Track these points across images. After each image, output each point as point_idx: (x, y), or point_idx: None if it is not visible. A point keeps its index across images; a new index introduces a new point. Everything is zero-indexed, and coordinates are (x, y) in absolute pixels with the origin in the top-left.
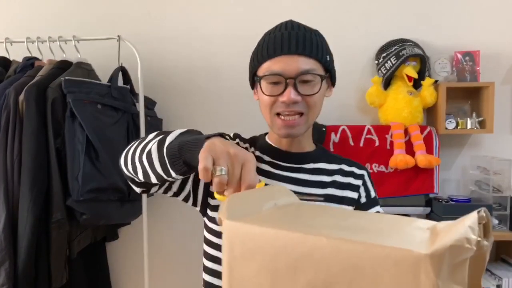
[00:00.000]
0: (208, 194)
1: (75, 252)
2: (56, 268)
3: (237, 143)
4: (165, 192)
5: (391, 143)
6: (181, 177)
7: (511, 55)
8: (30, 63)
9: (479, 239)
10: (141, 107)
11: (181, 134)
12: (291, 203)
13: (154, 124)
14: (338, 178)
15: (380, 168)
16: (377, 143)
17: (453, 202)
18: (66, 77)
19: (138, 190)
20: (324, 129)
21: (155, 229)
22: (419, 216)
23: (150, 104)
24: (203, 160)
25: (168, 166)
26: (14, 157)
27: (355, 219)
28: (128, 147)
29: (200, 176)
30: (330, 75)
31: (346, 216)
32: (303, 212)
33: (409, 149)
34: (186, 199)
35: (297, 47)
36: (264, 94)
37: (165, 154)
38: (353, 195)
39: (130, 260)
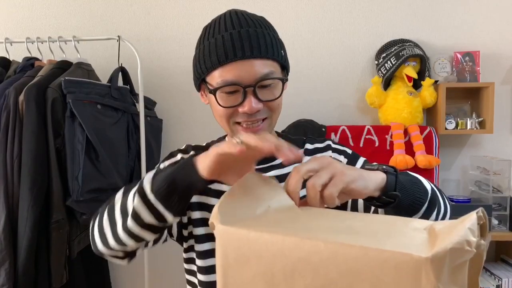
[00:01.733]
0: (181, 225)
1: (75, 252)
2: (56, 268)
3: (194, 155)
4: (164, 240)
5: (391, 143)
6: (177, 219)
7: (511, 55)
8: (30, 63)
9: (478, 240)
10: (141, 107)
11: (154, 176)
12: (285, 205)
13: (154, 124)
14: (307, 159)
15: None
16: (377, 144)
17: (453, 203)
18: (66, 77)
19: (125, 262)
20: (324, 129)
21: None
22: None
23: (150, 104)
24: (227, 145)
25: (162, 210)
26: (14, 157)
27: (351, 221)
28: (95, 226)
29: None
30: (286, 71)
31: (342, 218)
32: (298, 215)
33: (409, 150)
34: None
35: (251, 50)
36: (220, 105)
37: (154, 198)
38: None
39: None
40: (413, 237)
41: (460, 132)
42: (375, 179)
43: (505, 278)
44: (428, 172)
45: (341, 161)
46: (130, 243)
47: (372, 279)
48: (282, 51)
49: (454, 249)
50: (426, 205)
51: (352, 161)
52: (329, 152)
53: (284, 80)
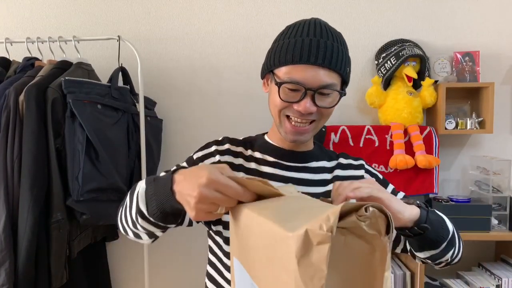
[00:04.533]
0: None
1: (75, 252)
2: (56, 268)
3: (227, 149)
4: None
5: (391, 143)
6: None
7: (511, 55)
8: (30, 63)
9: (330, 226)
10: (141, 107)
11: (147, 193)
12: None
13: (154, 124)
14: (338, 172)
15: (379, 169)
16: (376, 144)
17: (453, 202)
18: (66, 77)
19: (149, 242)
20: (324, 129)
21: None
22: None
23: (150, 104)
24: (191, 212)
25: (164, 225)
26: (14, 157)
27: (292, 203)
28: (117, 220)
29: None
30: (345, 85)
31: (292, 201)
32: (278, 200)
33: (409, 150)
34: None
35: (323, 59)
36: (279, 98)
37: (153, 220)
38: None
39: (130, 260)
40: (309, 219)
41: (460, 132)
42: (411, 210)
43: (505, 278)
44: (428, 172)
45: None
46: (145, 237)
47: (268, 242)
48: (348, 68)
49: (310, 230)
50: (446, 243)
51: (382, 186)
52: (362, 172)
53: (342, 94)
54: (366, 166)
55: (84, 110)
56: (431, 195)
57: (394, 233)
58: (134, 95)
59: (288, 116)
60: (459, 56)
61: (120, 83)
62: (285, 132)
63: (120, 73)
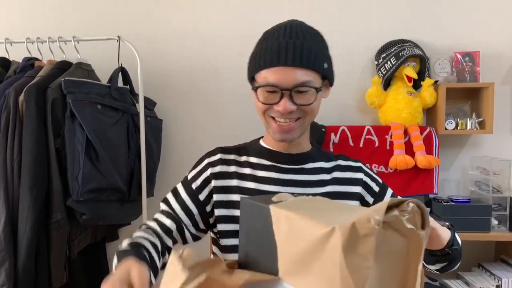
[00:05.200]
0: (208, 214)
1: (75, 252)
2: (56, 268)
3: (219, 159)
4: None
5: (391, 143)
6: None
7: (511, 55)
8: (30, 63)
9: (379, 219)
10: (141, 107)
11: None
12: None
13: (154, 124)
14: (337, 174)
15: (379, 169)
16: (376, 144)
17: (453, 203)
18: (66, 78)
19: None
20: (324, 129)
21: None
22: None
23: (150, 104)
24: None
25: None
26: (14, 157)
27: (327, 205)
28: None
29: None
30: (329, 80)
31: (327, 203)
32: (309, 201)
33: (409, 150)
34: (206, 229)
35: (293, 59)
36: (259, 101)
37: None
38: (356, 189)
39: None
40: (348, 216)
41: (460, 132)
42: (446, 234)
43: (505, 278)
44: (428, 172)
45: (372, 188)
46: None
47: (306, 239)
48: (325, 64)
49: (357, 223)
50: (459, 258)
51: (383, 190)
52: (361, 175)
53: (318, 90)
54: (365, 169)
55: (84, 110)
56: (431, 195)
57: (428, 228)
58: (134, 95)
59: (273, 117)
60: (459, 56)
61: (120, 83)
62: (273, 132)
63: (120, 73)
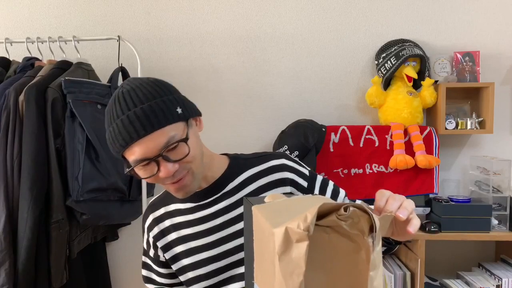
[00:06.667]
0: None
1: (75, 252)
2: (56, 268)
3: (151, 223)
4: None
5: (391, 143)
6: None
7: (511, 55)
8: (30, 63)
9: (307, 225)
10: None
11: None
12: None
13: None
14: (262, 180)
15: (380, 169)
16: (377, 144)
17: (453, 203)
18: (66, 78)
19: None
20: (324, 129)
21: None
22: (419, 216)
23: None
24: None
25: None
26: (14, 157)
27: (305, 202)
28: None
29: None
30: (192, 118)
31: (305, 200)
32: (291, 200)
33: (409, 150)
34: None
35: (144, 128)
36: (143, 178)
37: None
38: (286, 189)
39: (130, 260)
40: (293, 217)
41: (460, 132)
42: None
43: (505, 278)
44: (428, 172)
45: (299, 184)
46: None
47: (264, 238)
48: (178, 109)
49: (289, 228)
50: None
51: (311, 185)
52: (285, 174)
53: (186, 139)
54: (289, 163)
55: (84, 110)
56: (431, 195)
57: (380, 232)
58: None
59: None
60: (459, 56)
61: (120, 83)
62: (173, 193)
63: (120, 73)
